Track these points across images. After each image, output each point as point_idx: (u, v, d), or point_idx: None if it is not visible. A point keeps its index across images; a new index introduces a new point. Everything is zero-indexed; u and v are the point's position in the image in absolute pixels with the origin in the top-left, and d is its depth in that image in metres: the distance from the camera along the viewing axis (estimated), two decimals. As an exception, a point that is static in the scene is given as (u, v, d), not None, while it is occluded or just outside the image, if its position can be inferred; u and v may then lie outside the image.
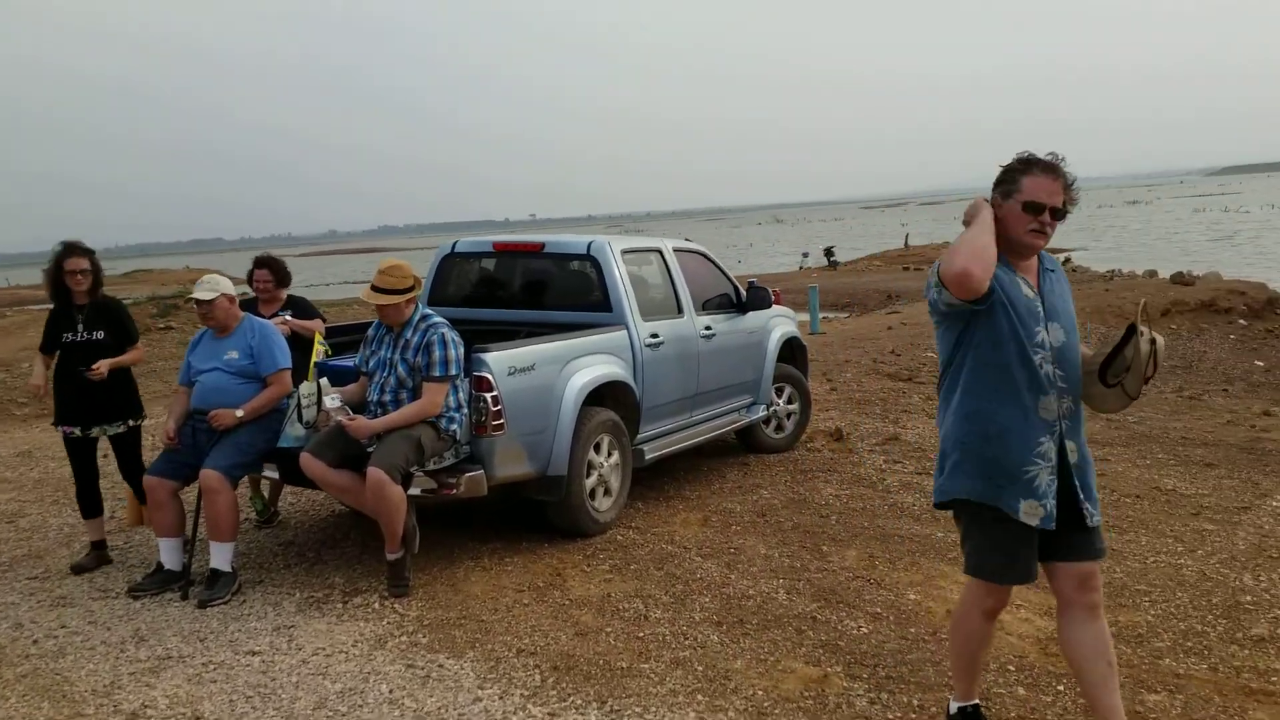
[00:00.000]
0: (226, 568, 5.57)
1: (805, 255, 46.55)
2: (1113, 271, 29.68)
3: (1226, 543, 6.13)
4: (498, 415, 5.75)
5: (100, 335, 6.04)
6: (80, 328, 6.04)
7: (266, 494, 7.04)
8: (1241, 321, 20.23)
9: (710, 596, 5.37)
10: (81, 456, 6.18)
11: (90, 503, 6.22)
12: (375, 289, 5.65)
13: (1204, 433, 9.73)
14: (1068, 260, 39.33)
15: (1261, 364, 16.57)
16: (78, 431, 6.07)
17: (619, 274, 6.91)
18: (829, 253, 41.18)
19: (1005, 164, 3.42)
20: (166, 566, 5.70)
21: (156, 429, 7.55)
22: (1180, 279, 23.02)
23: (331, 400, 5.49)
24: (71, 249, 6.07)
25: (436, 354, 5.57)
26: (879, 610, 5.13)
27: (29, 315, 26.70)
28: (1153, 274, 28.66)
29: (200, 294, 5.79)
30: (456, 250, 7.67)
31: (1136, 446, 9.03)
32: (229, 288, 5.92)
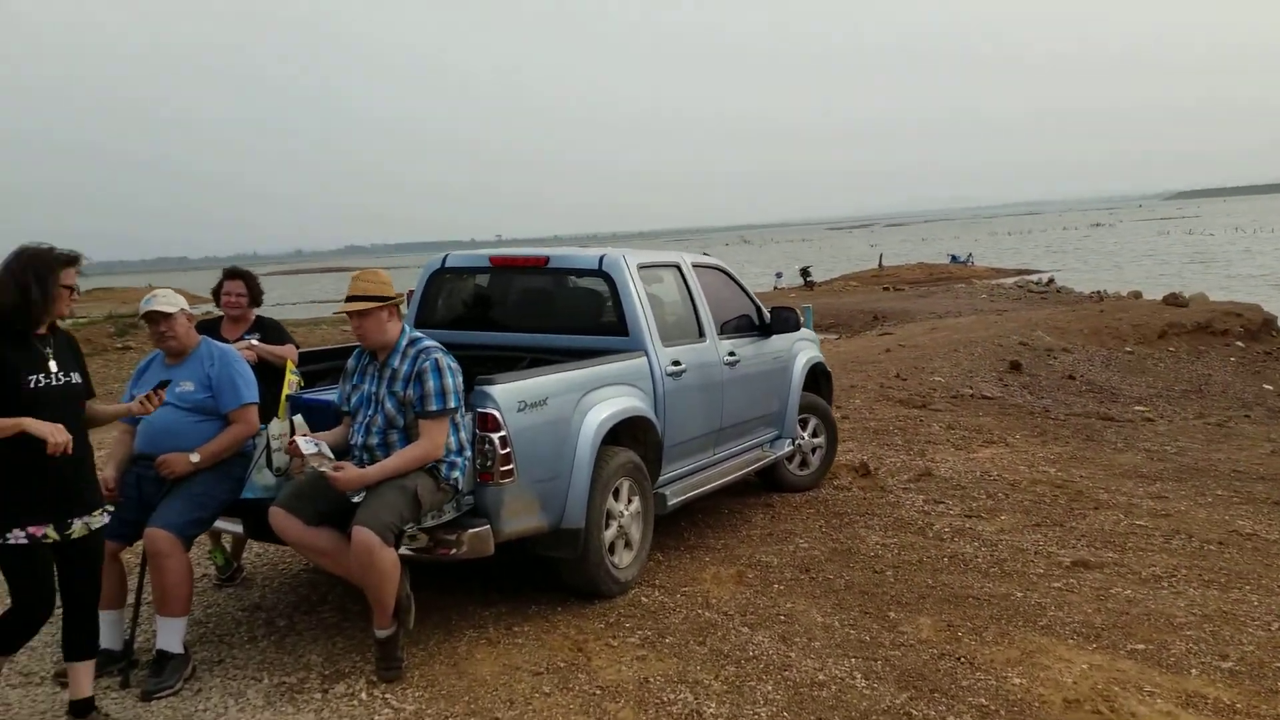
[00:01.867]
0: (177, 648, 4.57)
1: (779, 275, 45.95)
2: (1099, 293, 29.21)
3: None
4: (506, 459, 4.82)
5: (76, 378, 4.10)
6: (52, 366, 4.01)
7: (229, 546, 6.02)
8: (1239, 344, 19.67)
9: (772, 683, 4.44)
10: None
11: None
12: (350, 298, 4.71)
13: (1253, 465, 8.99)
14: (1051, 281, 39.02)
15: (1270, 388, 15.97)
16: (51, 532, 3.93)
17: (636, 292, 6.00)
18: (805, 272, 40.60)
19: None
20: (104, 646, 4.66)
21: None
22: (1174, 300, 22.47)
23: (309, 445, 4.52)
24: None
25: (431, 384, 4.62)
26: (984, 701, 4.23)
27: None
28: (1138, 295, 28.20)
29: (158, 305, 4.77)
30: (447, 265, 6.72)
31: (1190, 481, 8.26)
32: (186, 305, 4.95)
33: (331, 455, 4.61)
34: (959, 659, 4.68)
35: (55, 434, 3.72)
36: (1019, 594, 5.45)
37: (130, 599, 4.79)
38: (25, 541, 3.80)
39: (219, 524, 4.99)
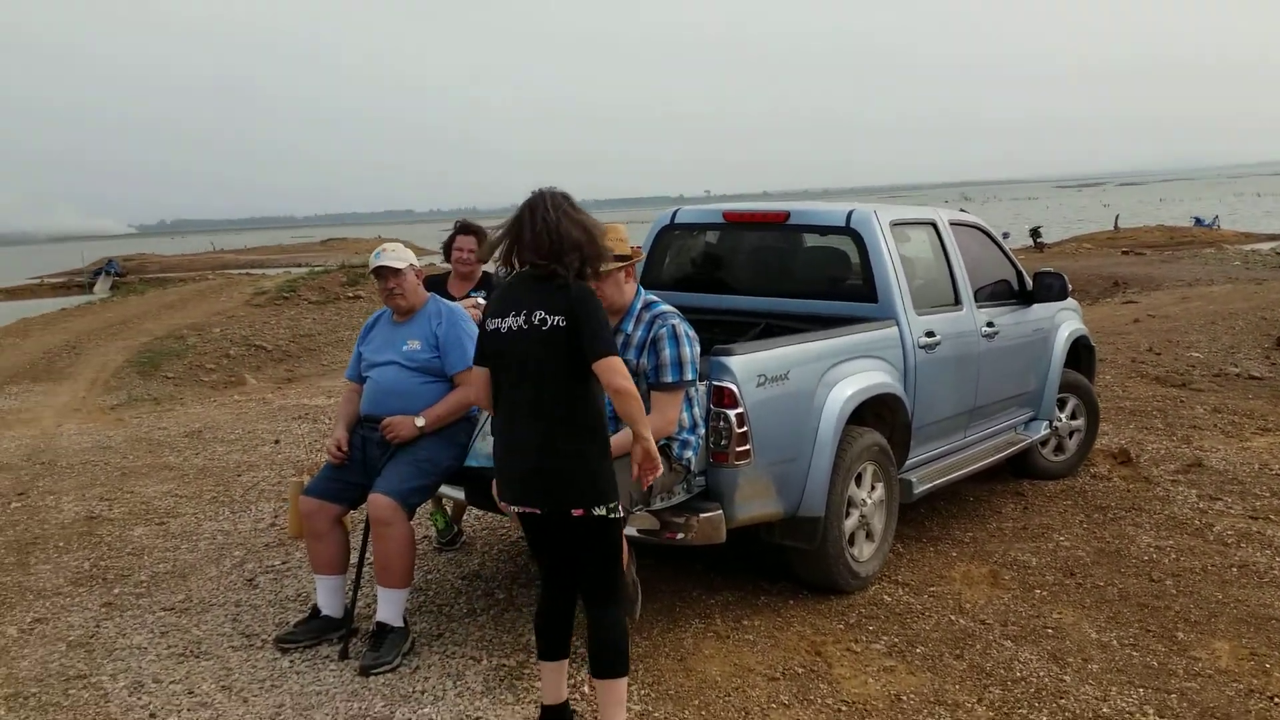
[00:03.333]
0: (397, 621, 4.37)
1: (1005, 235, 43.46)
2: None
3: None
4: (743, 439, 4.36)
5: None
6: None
7: (450, 510, 5.85)
8: None
9: (1046, 713, 3.84)
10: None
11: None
12: None
13: None
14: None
15: None
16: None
17: (888, 253, 5.40)
18: (1035, 233, 38.14)
19: None
20: (324, 612, 4.54)
21: (324, 435, 6.52)
22: None
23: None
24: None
25: (667, 353, 4.15)
26: (1319, 764, 3.51)
27: (226, 279, 27.08)
28: None
29: (387, 260, 4.56)
30: (677, 221, 6.29)
31: None
32: (415, 260, 4.72)
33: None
34: (1272, 699, 3.94)
35: None
36: (1340, 622, 4.62)
37: (352, 567, 4.64)
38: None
39: (441, 489, 4.77)
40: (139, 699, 4.05)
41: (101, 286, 40.42)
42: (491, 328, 3.48)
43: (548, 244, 3.36)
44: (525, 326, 3.36)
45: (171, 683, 4.18)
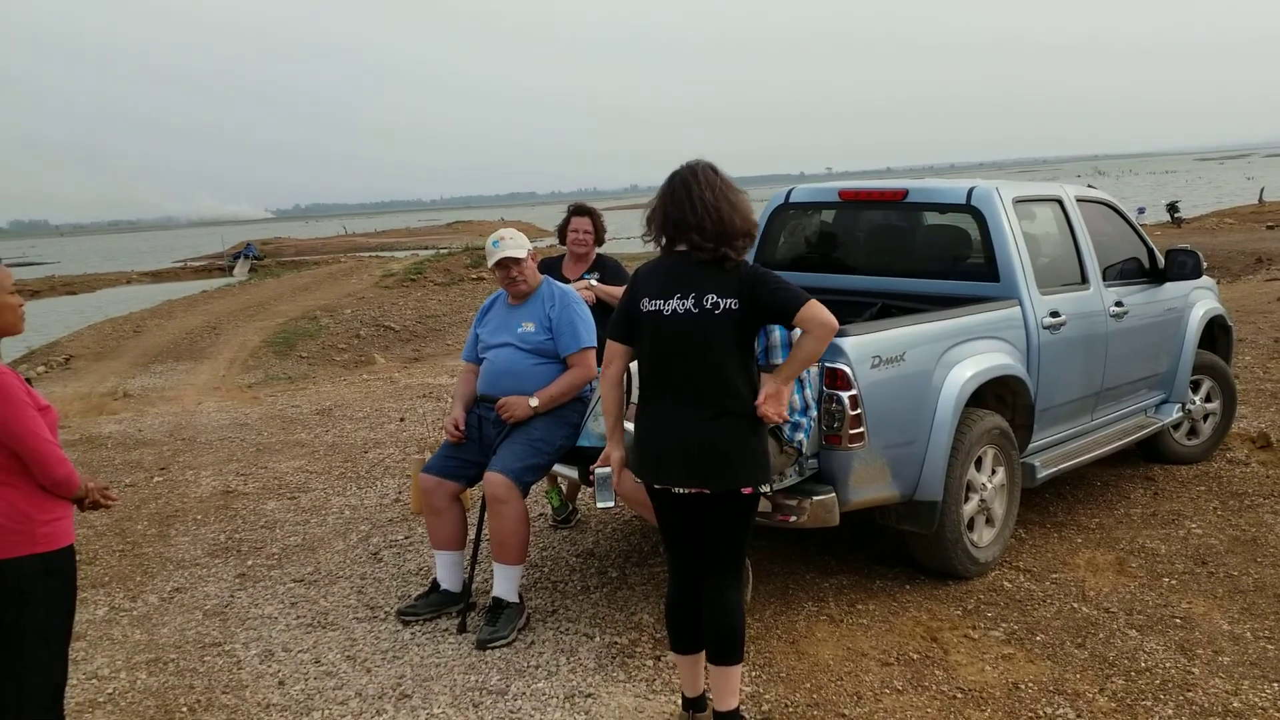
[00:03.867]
0: (513, 597, 4.47)
1: (1141, 210, 41.74)
2: None
3: None
4: (857, 421, 4.31)
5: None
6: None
7: (565, 489, 5.94)
8: None
9: (1173, 706, 3.70)
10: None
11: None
12: None
13: None
14: None
15: None
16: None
17: (1010, 231, 5.24)
18: (1172, 208, 36.53)
19: None
20: (443, 586, 4.68)
21: (446, 414, 6.68)
22: None
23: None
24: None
25: (777, 334, 4.10)
26: None
27: (356, 261, 27.90)
28: None
29: (510, 251, 4.62)
30: (792, 200, 6.23)
31: None
32: (529, 244, 4.78)
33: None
34: None
35: None
36: None
37: (469, 543, 4.76)
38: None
39: (555, 468, 4.84)
40: (269, 667, 4.24)
41: (240, 269, 42.15)
42: (650, 309, 3.37)
43: (711, 227, 3.29)
44: (695, 310, 3.30)
45: (300, 651, 4.37)
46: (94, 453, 8.28)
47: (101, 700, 4.03)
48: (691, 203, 3.32)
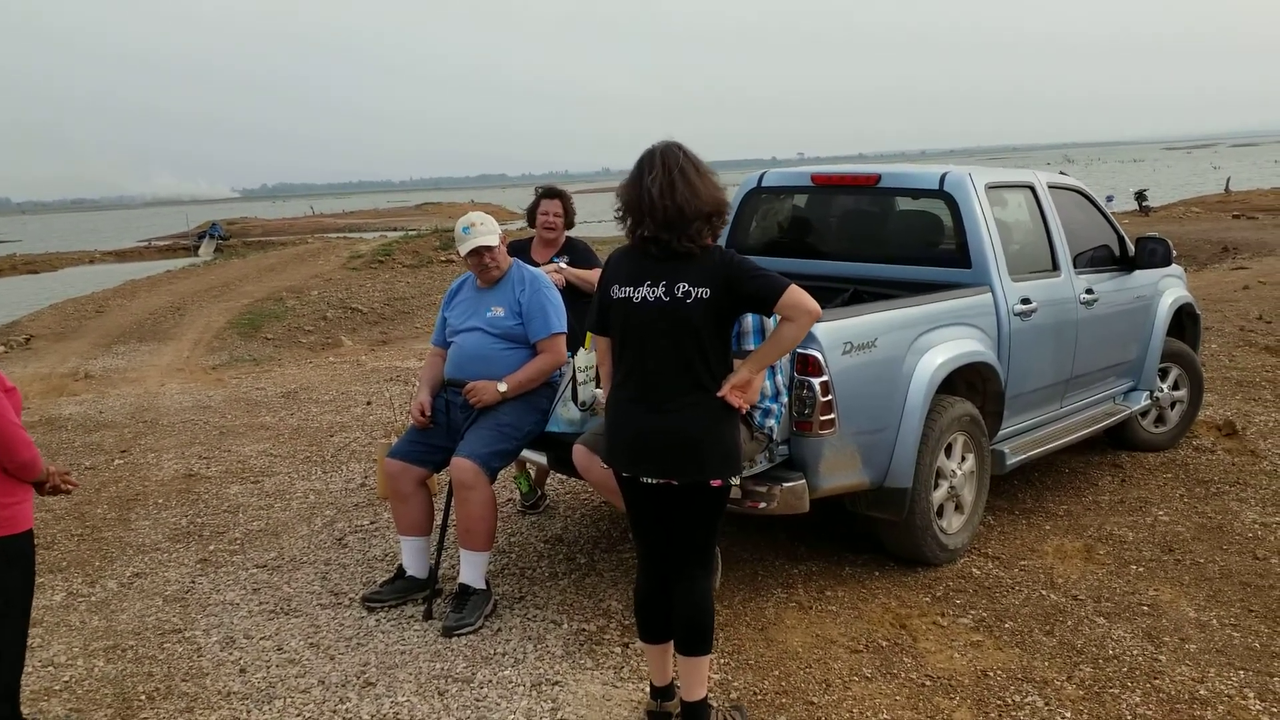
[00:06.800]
0: (479, 584, 4.41)
1: (1109, 198, 42.00)
2: None
3: None
4: (828, 408, 4.28)
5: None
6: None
7: (533, 474, 5.88)
8: None
9: (1140, 694, 3.71)
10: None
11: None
12: None
13: None
14: None
15: None
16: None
17: (982, 217, 5.22)
18: (1140, 196, 36.79)
19: None
20: (409, 572, 4.62)
21: (410, 398, 6.59)
22: None
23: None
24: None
25: (749, 321, 4.08)
26: None
27: (324, 243, 27.63)
28: None
29: (482, 240, 4.53)
30: (764, 184, 6.18)
31: None
32: (498, 228, 4.70)
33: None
34: (1388, 689, 3.75)
35: None
36: None
37: (436, 529, 4.70)
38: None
39: (524, 453, 4.79)
40: (230, 654, 4.16)
41: (206, 249, 41.64)
42: (620, 296, 3.29)
43: (662, 216, 3.16)
44: (665, 298, 3.19)
45: (262, 639, 4.29)
46: (54, 435, 8.13)
47: (58, 688, 3.94)
48: (641, 191, 3.21)
